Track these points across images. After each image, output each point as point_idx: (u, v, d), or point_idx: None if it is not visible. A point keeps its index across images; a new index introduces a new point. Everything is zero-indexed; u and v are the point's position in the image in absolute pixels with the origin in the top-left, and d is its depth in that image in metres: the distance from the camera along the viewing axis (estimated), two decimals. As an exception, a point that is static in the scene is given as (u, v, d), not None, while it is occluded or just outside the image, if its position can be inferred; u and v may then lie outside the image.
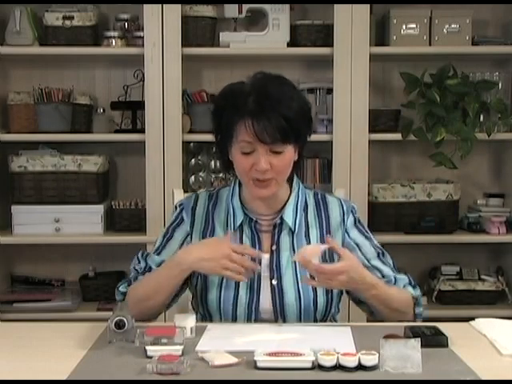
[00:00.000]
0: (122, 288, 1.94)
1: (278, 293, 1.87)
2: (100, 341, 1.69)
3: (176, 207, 2.00)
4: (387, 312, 1.87)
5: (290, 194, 1.93)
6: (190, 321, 1.70)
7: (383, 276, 1.92)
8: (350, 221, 1.95)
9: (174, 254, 1.87)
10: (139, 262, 1.97)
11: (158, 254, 1.96)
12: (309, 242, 1.91)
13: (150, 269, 1.94)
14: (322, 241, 1.90)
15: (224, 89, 1.89)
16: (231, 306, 1.87)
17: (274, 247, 1.90)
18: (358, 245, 1.95)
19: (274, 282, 1.87)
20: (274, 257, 1.89)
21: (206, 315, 1.93)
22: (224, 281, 1.88)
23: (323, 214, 1.95)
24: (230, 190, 1.96)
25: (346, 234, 1.94)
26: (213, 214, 1.95)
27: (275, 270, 1.88)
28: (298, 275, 1.88)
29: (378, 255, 1.95)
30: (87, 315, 3.11)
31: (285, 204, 1.92)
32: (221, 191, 1.99)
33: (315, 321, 1.89)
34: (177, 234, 1.96)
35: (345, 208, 1.96)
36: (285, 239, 1.91)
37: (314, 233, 1.93)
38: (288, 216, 1.90)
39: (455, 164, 3.16)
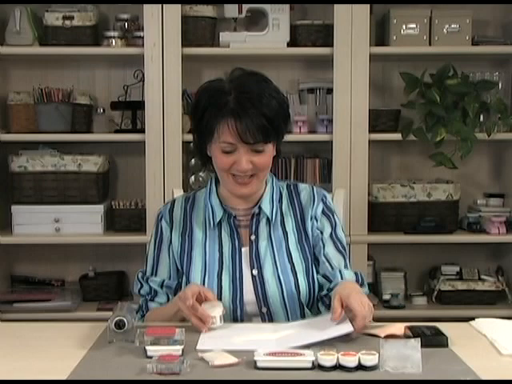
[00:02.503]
0: (138, 315, 1.95)
1: (259, 282, 1.88)
2: (100, 341, 1.69)
3: (156, 217, 2.00)
4: None
5: (266, 187, 1.95)
6: (218, 309, 1.71)
7: (331, 267, 1.91)
8: (319, 208, 1.96)
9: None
10: (142, 286, 1.98)
11: (156, 274, 1.96)
12: (284, 231, 1.93)
13: (156, 293, 1.95)
14: (298, 229, 1.94)
15: (203, 87, 1.89)
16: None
17: (252, 237, 1.92)
18: (321, 232, 1.95)
19: (255, 272, 1.89)
20: (253, 247, 1.91)
21: None
22: (206, 277, 1.89)
23: (296, 203, 1.97)
24: (207, 190, 1.97)
25: (314, 221, 1.95)
26: (191, 216, 1.96)
27: (255, 260, 1.90)
28: (278, 262, 1.90)
29: (336, 246, 1.95)
30: (87, 315, 3.11)
31: (261, 196, 1.93)
32: (197, 193, 2.01)
33: (300, 306, 1.89)
34: (163, 247, 1.96)
35: (315, 195, 1.98)
36: (263, 229, 1.93)
37: (289, 221, 1.95)
38: (265, 205, 1.93)
39: (455, 164, 3.16)
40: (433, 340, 1.64)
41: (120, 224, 3.23)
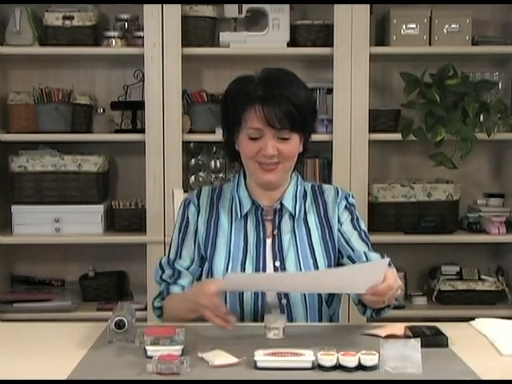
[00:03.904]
0: (156, 303, 1.97)
1: None
2: (100, 341, 1.69)
3: (182, 204, 2.04)
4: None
5: (289, 184, 1.99)
6: (281, 321, 1.71)
7: (353, 251, 1.95)
8: (342, 205, 2.01)
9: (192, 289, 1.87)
10: (164, 271, 1.98)
11: (180, 256, 1.98)
12: (307, 227, 1.97)
13: (180, 274, 1.96)
14: (321, 225, 1.97)
15: (233, 81, 1.95)
16: (238, 292, 1.89)
17: (275, 231, 1.96)
18: (341, 224, 1.99)
19: (277, 263, 1.92)
20: (275, 240, 1.95)
21: None
22: (230, 265, 1.92)
23: (320, 200, 2.01)
24: (235, 182, 2.02)
25: (338, 218, 1.99)
26: (217, 205, 2.00)
27: (277, 252, 1.94)
28: (300, 256, 1.93)
29: (360, 234, 1.98)
30: (87, 315, 3.11)
31: (284, 193, 1.97)
32: (224, 186, 2.06)
33: (319, 298, 1.93)
34: (189, 232, 1.98)
35: (340, 194, 2.03)
36: (286, 223, 1.97)
37: (311, 218, 1.99)
38: (287, 201, 1.96)
39: (455, 164, 3.16)
40: (433, 340, 1.64)
41: (120, 224, 3.23)
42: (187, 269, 1.97)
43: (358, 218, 2.01)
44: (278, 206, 1.96)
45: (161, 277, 1.98)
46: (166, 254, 2.02)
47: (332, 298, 1.96)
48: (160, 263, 2.01)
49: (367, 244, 1.98)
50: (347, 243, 1.96)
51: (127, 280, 3.43)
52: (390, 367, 1.47)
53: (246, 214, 1.97)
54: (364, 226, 2.02)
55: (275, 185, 1.95)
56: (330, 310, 1.97)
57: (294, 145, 1.89)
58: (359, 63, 3.08)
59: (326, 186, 2.06)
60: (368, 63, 3.09)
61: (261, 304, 1.89)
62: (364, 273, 1.67)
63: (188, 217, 2.00)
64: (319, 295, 1.92)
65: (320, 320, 1.94)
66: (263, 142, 1.86)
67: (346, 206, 2.01)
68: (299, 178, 2.03)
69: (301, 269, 1.91)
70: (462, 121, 3.13)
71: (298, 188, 2.00)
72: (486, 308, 3.17)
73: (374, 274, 1.65)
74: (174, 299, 1.93)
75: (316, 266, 1.91)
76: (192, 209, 2.00)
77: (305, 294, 1.90)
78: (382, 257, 1.94)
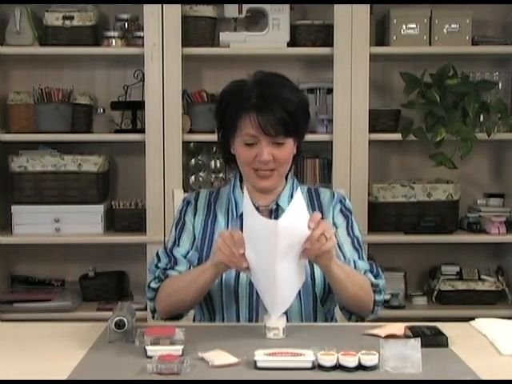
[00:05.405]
0: (153, 284, 1.95)
1: None
2: (100, 341, 1.69)
3: (180, 204, 2.07)
4: (347, 295, 1.87)
5: (286, 186, 2.02)
6: (281, 322, 1.72)
7: (344, 258, 1.96)
8: (337, 208, 2.03)
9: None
10: (160, 261, 1.98)
11: (178, 245, 1.99)
12: None
13: (176, 261, 1.96)
14: None
15: (227, 86, 1.98)
16: (233, 285, 1.90)
17: None
18: (336, 228, 1.99)
19: None
20: None
21: (206, 298, 1.95)
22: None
23: (316, 202, 2.03)
24: (231, 185, 2.04)
25: (331, 220, 2.00)
26: (214, 207, 2.02)
27: None
28: None
29: (352, 242, 1.99)
30: (87, 315, 3.11)
31: (280, 194, 2.00)
32: (221, 189, 2.08)
33: (314, 296, 1.93)
34: (186, 225, 2.00)
35: (335, 196, 2.05)
36: None
37: None
38: (283, 202, 1.98)
39: (455, 164, 3.16)
40: (433, 340, 1.64)
41: (120, 224, 3.23)
42: (184, 257, 1.96)
43: (352, 224, 2.02)
44: (274, 207, 1.99)
45: (156, 265, 1.97)
46: (163, 246, 2.03)
47: (327, 296, 1.96)
48: (157, 253, 2.00)
49: (358, 252, 1.99)
50: (340, 248, 1.96)
51: (127, 280, 3.43)
52: (390, 367, 1.47)
53: (242, 215, 1.96)
54: (358, 232, 2.03)
55: (270, 189, 1.98)
56: (325, 309, 1.97)
57: (288, 149, 1.92)
58: (359, 63, 3.08)
59: (321, 189, 2.08)
60: (368, 63, 3.09)
61: (255, 299, 1.89)
62: (295, 214, 1.70)
63: (185, 216, 2.02)
64: (313, 290, 1.92)
65: (315, 318, 1.94)
66: (259, 148, 1.89)
67: (341, 210, 2.03)
68: (295, 180, 2.05)
69: None
70: (462, 121, 3.13)
71: (294, 190, 2.01)
72: (486, 308, 3.17)
73: (299, 207, 1.70)
74: (176, 277, 1.91)
75: (311, 264, 1.90)
76: (190, 208, 2.02)
77: (299, 291, 1.88)
78: (370, 265, 1.97)
